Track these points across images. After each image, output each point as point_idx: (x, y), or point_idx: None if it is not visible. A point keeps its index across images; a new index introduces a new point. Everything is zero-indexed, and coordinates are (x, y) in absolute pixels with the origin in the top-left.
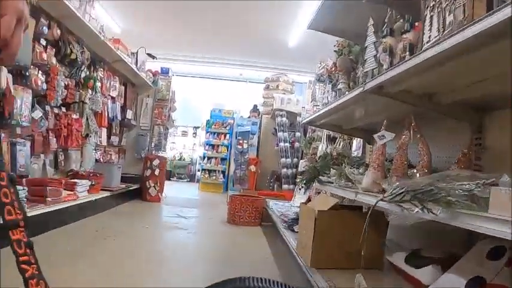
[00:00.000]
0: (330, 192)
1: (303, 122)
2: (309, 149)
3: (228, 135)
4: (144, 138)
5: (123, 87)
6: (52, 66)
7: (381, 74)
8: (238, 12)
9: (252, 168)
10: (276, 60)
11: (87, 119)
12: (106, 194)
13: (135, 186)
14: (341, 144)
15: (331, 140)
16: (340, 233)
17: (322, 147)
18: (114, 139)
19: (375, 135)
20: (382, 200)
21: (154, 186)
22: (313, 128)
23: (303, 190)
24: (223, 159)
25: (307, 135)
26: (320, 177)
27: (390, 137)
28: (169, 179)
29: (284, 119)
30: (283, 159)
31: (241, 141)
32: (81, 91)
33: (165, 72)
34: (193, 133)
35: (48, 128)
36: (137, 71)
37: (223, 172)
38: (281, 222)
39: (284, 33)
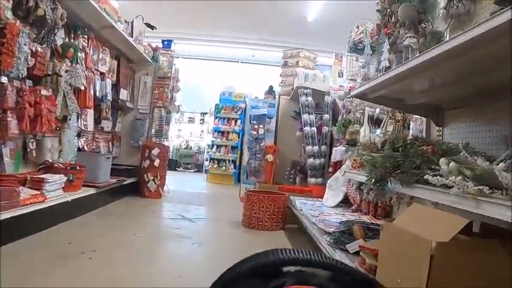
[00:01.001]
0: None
1: (352, 94)
2: (344, 134)
3: (239, 121)
4: (142, 123)
5: (115, 62)
6: (9, 23)
7: None
8: None
9: (269, 157)
10: (293, 37)
11: (64, 96)
12: (90, 191)
13: (130, 180)
14: (390, 127)
15: (374, 122)
16: (473, 278)
17: (365, 132)
18: (106, 124)
19: None
20: None
21: (153, 180)
22: (349, 108)
23: (336, 185)
24: (233, 147)
25: (341, 117)
26: (427, 175)
27: None
28: (176, 169)
29: (309, 98)
30: (309, 147)
31: (256, 126)
32: (55, 61)
33: (167, 45)
34: (201, 119)
35: (5, 106)
36: (133, 43)
37: (233, 162)
38: (319, 232)
39: (302, 5)
